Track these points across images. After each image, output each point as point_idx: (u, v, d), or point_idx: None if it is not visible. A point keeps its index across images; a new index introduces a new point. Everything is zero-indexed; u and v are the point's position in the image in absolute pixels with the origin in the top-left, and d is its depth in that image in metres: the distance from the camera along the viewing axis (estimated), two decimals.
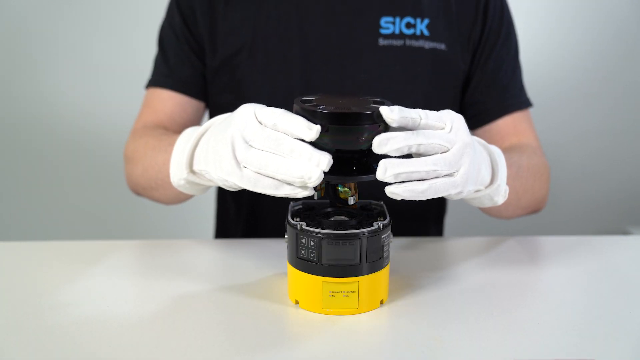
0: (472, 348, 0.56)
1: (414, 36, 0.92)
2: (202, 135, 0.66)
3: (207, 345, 0.56)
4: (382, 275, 0.63)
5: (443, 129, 0.59)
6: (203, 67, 0.96)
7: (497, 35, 0.95)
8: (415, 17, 0.92)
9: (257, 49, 0.92)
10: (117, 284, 0.70)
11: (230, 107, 0.95)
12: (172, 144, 0.73)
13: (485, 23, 0.94)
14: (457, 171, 0.59)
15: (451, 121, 0.60)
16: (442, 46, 0.93)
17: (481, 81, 0.95)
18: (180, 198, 0.82)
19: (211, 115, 1.01)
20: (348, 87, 0.92)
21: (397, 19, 0.92)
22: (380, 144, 0.55)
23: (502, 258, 0.79)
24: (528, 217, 0.90)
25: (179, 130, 0.95)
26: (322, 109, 0.56)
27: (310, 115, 0.56)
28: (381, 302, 0.64)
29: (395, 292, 0.67)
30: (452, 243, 0.85)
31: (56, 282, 0.70)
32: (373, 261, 0.61)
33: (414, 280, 0.70)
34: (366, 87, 0.92)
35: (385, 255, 0.62)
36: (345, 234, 0.59)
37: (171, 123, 0.95)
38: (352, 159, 0.59)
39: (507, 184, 0.71)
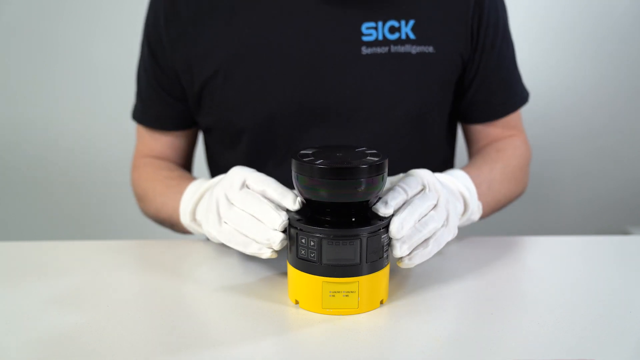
0: (472, 348, 0.56)
1: (399, 41, 0.84)
2: (206, 190, 0.75)
3: (207, 345, 0.56)
4: (382, 275, 0.63)
5: (422, 190, 0.66)
6: (174, 101, 0.93)
7: (496, 30, 0.89)
8: (399, 20, 0.84)
9: (232, 71, 0.86)
10: (117, 283, 0.70)
11: (214, 131, 0.95)
12: (180, 192, 0.81)
13: (481, 18, 0.88)
14: (447, 219, 0.67)
15: (422, 178, 0.67)
16: (430, 49, 0.86)
17: (484, 81, 0.91)
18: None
19: (205, 137, 1.00)
20: (332, 102, 0.86)
21: (380, 24, 0.84)
22: (398, 228, 0.61)
23: (501, 258, 0.79)
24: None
25: (179, 162, 0.99)
26: (319, 163, 0.59)
27: (308, 170, 0.59)
28: (381, 302, 0.64)
29: (395, 292, 0.67)
30: (452, 243, 0.85)
31: (55, 282, 0.70)
32: (373, 261, 0.61)
33: (414, 280, 0.70)
34: (351, 101, 0.86)
35: (385, 255, 0.62)
36: (345, 234, 0.59)
37: (166, 158, 0.98)
38: (350, 211, 0.62)
39: (479, 199, 0.79)
